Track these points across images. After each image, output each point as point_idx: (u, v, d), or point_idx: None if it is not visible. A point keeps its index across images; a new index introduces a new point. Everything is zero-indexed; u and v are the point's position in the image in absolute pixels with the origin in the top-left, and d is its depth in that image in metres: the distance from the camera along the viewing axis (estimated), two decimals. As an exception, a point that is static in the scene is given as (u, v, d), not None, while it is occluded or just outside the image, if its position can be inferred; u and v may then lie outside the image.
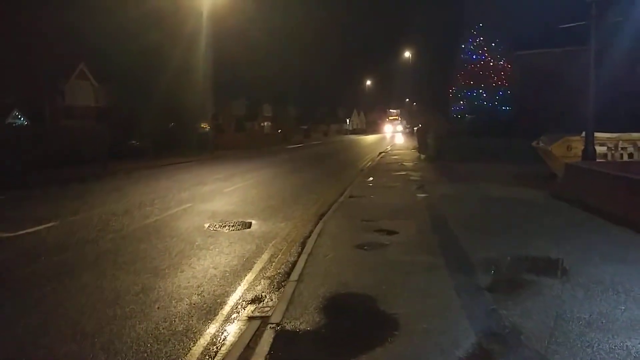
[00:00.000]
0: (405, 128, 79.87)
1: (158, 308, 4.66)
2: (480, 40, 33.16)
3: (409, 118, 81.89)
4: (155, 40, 28.13)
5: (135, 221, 8.93)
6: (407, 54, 47.93)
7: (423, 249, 6.03)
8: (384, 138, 60.34)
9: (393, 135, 67.42)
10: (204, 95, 30.72)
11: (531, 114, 20.80)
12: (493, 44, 32.40)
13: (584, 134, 9.82)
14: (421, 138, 22.68)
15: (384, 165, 18.35)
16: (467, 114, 32.79)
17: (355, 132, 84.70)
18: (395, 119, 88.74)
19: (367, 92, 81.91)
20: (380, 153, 26.03)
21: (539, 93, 22.25)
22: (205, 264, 6.10)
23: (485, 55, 32.97)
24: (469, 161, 16.75)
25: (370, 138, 60.02)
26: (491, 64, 32.99)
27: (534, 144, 12.65)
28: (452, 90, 36.95)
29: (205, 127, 30.65)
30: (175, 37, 28.96)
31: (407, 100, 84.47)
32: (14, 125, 29.12)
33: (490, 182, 11.87)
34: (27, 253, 6.78)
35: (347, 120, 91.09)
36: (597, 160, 9.80)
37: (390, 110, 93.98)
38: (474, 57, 33.19)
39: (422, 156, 20.80)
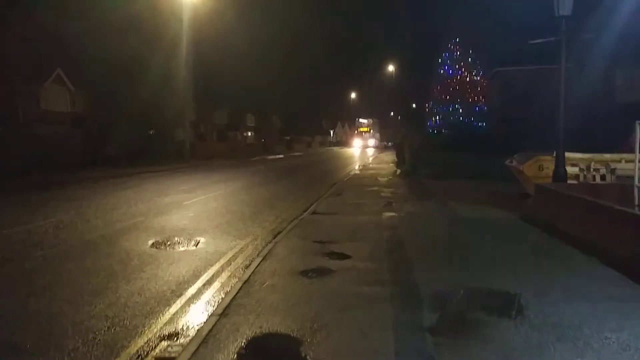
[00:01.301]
0: (378, 142, 70.06)
1: (54, 346, 4.03)
2: (457, 55, 33.26)
3: (382, 130, 78.79)
4: (135, 46, 27.51)
5: (76, 236, 8.28)
6: (391, 68, 48.10)
7: (371, 277, 5.49)
8: (342, 157, 43.94)
9: (363, 150, 57.72)
10: (184, 103, 30.11)
11: (508, 131, 20.62)
12: (470, 60, 32.53)
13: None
14: (399, 152, 22.33)
15: (357, 179, 17.89)
16: (444, 129, 32.72)
17: (339, 143, 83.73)
18: (366, 131, 71.70)
19: (352, 104, 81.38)
20: (358, 167, 25.60)
21: (516, 110, 22.15)
22: (132, 289, 5.48)
23: (462, 71, 33.06)
24: (444, 178, 16.38)
25: (351, 151, 59.60)
26: (467, 79, 33.07)
27: (507, 162, 12.31)
28: (429, 104, 36.97)
29: (182, 137, 29.84)
30: (155, 44, 28.38)
31: (392, 113, 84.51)
32: (-17, 128, 28.08)
33: (460, 201, 11.44)
34: None
35: (331, 132, 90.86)
36: (569, 181, 9.44)
37: (360, 120, 73.51)
38: (451, 72, 33.27)
39: (398, 171, 20.41)
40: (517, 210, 9.71)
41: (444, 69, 31.92)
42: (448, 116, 32.03)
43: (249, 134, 57.61)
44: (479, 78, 31.79)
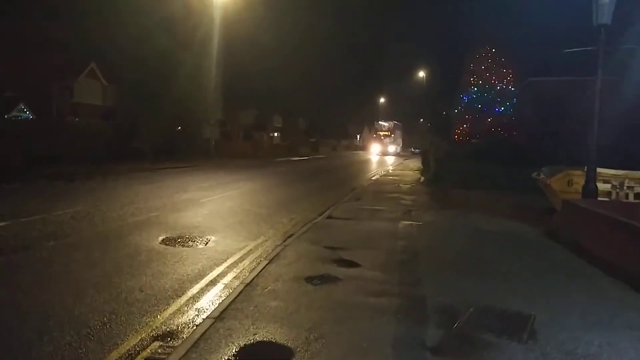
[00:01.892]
0: (399, 148, 62.78)
1: (48, 339, 3.98)
2: (488, 63, 32.43)
3: (407, 136, 73.73)
4: (167, 45, 28.05)
5: (90, 227, 8.35)
6: (421, 74, 47.41)
7: (378, 288, 5.25)
8: (367, 161, 42.94)
9: (381, 158, 49.65)
10: (212, 101, 30.46)
11: (539, 143, 19.87)
12: (503, 70, 31.67)
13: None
14: (424, 160, 21.87)
15: (379, 185, 17.56)
16: (472, 139, 31.95)
17: (363, 148, 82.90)
18: (387, 135, 59.88)
19: (381, 109, 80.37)
20: (381, 172, 25.22)
21: (548, 121, 21.35)
22: (135, 285, 5.42)
23: (493, 79, 32.19)
24: (469, 187, 15.85)
25: (368, 156, 59.06)
26: (498, 88, 32.17)
27: (534, 174, 11.77)
28: (457, 111, 36.12)
29: (208, 135, 30.14)
30: (187, 42, 28.85)
31: (422, 120, 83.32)
32: (19, 118, 29.15)
33: (482, 212, 11.01)
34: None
35: (358, 137, 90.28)
36: (599, 198, 8.91)
37: (381, 122, 62.22)
38: (481, 81, 32.48)
39: (422, 178, 19.97)
40: (541, 225, 9.26)
41: (473, 77, 31.14)
42: (476, 125, 31.22)
43: (275, 135, 57.88)
44: (510, 87, 30.88)
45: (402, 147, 67.45)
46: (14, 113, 29.10)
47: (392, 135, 59.61)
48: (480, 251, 7.33)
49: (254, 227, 9.01)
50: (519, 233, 8.78)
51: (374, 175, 23.40)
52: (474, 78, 32.27)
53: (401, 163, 37.24)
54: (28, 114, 29.96)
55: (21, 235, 7.51)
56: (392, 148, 58.51)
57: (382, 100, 76.42)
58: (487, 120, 31.19)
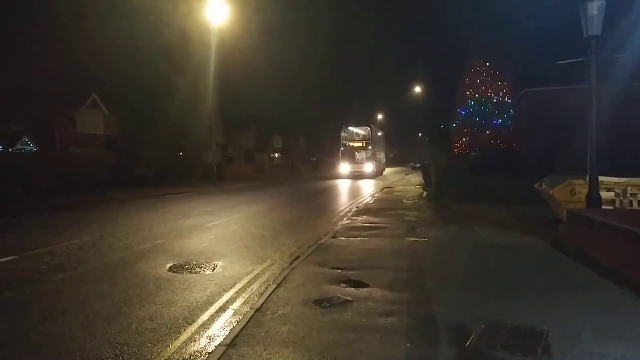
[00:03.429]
0: (379, 166, 44.45)
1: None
2: (483, 76, 32.74)
3: (407, 149, 64.95)
4: (165, 72, 28.52)
5: (97, 258, 8.37)
6: (417, 89, 47.86)
7: (388, 308, 5.24)
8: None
9: (350, 183, 32.75)
10: (211, 125, 30.75)
11: (538, 153, 19.95)
12: (498, 82, 31.98)
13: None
14: (425, 174, 21.95)
15: (381, 202, 17.58)
16: (471, 151, 32.03)
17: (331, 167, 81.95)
18: (362, 147, 40.29)
19: (379, 126, 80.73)
20: (382, 188, 25.25)
21: (545, 131, 21.47)
22: (145, 314, 5.42)
23: (488, 92, 32.45)
24: (471, 201, 15.88)
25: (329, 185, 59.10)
26: (495, 100, 32.40)
27: (536, 185, 11.82)
28: (455, 125, 36.28)
29: (209, 159, 30.36)
30: (184, 69, 29.33)
31: (420, 134, 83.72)
32: (22, 151, 29.46)
33: (487, 226, 11.01)
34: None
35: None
36: (603, 207, 8.93)
37: (351, 128, 42.30)
38: (477, 95, 32.75)
39: (425, 193, 20.00)
40: (547, 236, 9.25)
41: (469, 91, 31.35)
42: (475, 138, 31.29)
43: (276, 155, 58.15)
44: (506, 99, 31.10)
45: (384, 163, 48.94)
46: (18, 146, 29.38)
47: (370, 148, 39.74)
48: (488, 266, 7.33)
49: (260, 250, 9.03)
50: (525, 245, 8.77)
51: (375, 192, 23.41)
52: (470, 92, 32.51)
53: (402, 178, 37.28)
54: (32, 146, 30.24)
55: (29, 269, 7.54)
56: (368, 167, 38.84)
57: (379, 117, 76.55)
58: (485, 133, 31.31)
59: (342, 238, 9.83)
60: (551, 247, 8.48)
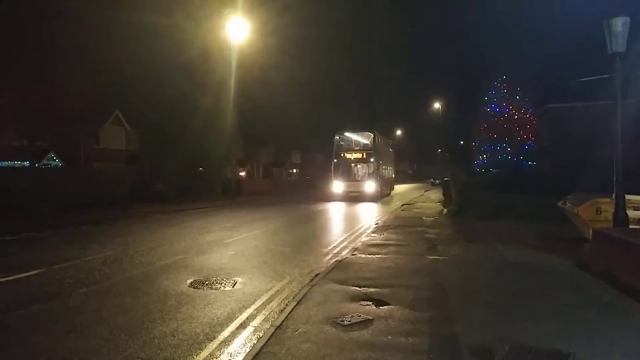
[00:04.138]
0: (383, 185, 33.42)
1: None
2: (504, 92, 32.41)
3: (424, 165, 67.55)
4: (186, 88, 29.18)
5: (120, 273, 8.51)
6: (436, 105, 47.82)
7: (409, 327, 5.18)
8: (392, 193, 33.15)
9: (350, 202, 28.36)
10: (231, 141, 31.20)
11: (560, 170, 19.59)
12: (518, 97, 31.61)
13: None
14: (446, 191, 21.74)
15: (401, 219, 17.46)
16: (491, 168, 31.58)
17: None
18: (360, 159, 31.73)
19: (398, 141, 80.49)
20: (401, 205, 25.08)
21: (568, 147, 21.10)
22: (167, 330, 5.48)
23: (509, 108, 32.08)
24: (492, 218, 15.63)
25: (397, 188, 58.72)
26: (516, 116, 31.99)
27: (560, 204, 11.57)
28: (475, 143, 35.89)
29: (228, 175, 30.74)
30: (205, 85, 29.91)
31: (440, 150, 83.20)
32: (49, 166, 30.33)
33: (509, 244, 10.82)
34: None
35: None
36: (631, 226, 8.70)
37: (348, 134, 33.29)
38: (497, 110, 32.39)
39: (445, 210, 19.79)
40: (571, 256, 9.03)
41: (490, 107, 31.08)
42: (496, 155, 30.85)
43: (294, 171, 58.49)
44: (528, 116, 30.73)
45: (392, 181, 39.08)
46: (45, 161, 30.27)
47: (373, 160, 30.74)
48: (512, 285, 7.19)
49: (279, 266, 9.05)
50: (549, 265, 8.59)
51: (395, 209, 23.27)
52: (490, 109, 32.26)
53: (422, 195, 36.95)
54: (58, 162, 31.11)
55: (55, 283, 7.71)
56: (370, 185, 30.08)
57: (398, 132, 76.31)
58: (507, 150, 30.87)
59: (361, 255, 9.78)
60: (576, 267, 8.28)
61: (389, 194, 36.27)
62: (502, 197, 17.69)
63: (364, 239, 12.40)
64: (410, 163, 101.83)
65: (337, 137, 32.19)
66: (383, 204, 28.08)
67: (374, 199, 29.70)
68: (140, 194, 27.14)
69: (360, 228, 15.33)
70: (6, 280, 7.89)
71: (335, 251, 10.79)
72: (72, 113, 28.13)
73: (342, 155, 31.39)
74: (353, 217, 20.17)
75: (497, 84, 31.82)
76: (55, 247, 11.61)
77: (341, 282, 7.31)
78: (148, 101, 29.66)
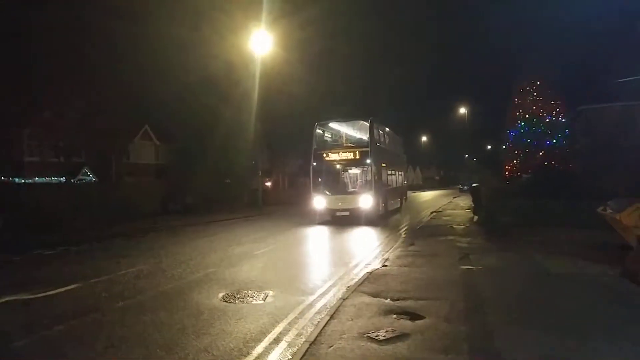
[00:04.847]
0: (384, 192, 21.57)
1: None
2: (535, 96, 31.58)
3: (451, 172, 65.92)
4: (211, 101, 29.73)
5: (153, 287, 8.61)
6: (463, 110, 47.10)
7: (446, 342, 5.02)
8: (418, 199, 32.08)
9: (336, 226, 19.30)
10: (256, 152, 31.54)
11: (596, 174, 18.86)
12: (552, 102, 30.74)
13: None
14: (475, 198, 21.24)
15: (430, 228, 17.14)
16: (522, 174, 30.70)
17: (411, 188, 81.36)
18: (352, 160, 20.24)
19: (423, 148, 79.37)
20: (430, 213, 24.67)
21: (604, 150, 20.32)
22: (200, 345, 5.49)
23: (540, 112, 31.21)
24: (525, 225, 15.12)
25: (424, 195, 57.89)
26: (547, 120, 31.08)
27: (599, 209, 11.08)
28: (505, 147, 35.00)
29: (255, 185, 31.04)
30: (230, 98, 30.39)
31: (467, 156, 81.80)
32: (83, 181, 31.35)
33: (546, 253, 10.44)
34: (29, 322, 6.55)
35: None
36: (678, 232, 8.25)
37: (333, 125, 22.56)
38: (528, 115, 31.60)
39: (475, 218, 19.33)
40: (615, 265, 8.62)
41: (519, 112, 30.32)
42: (527, 160, 30.03)
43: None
44: (560, 118, 29.82)
45: (402, 190, 28.45)
46: (79, 177, 31.28)
47: (370, 162, 19.86)
48: (552, 298, 6.90)
49: (309, 279, 8.99)
50: (591, 275, 8.23)
51: (424, 217, 22.88)
52: (520, 112, 31.45)
53: (450, 202, 36.32)
54: (91, 177, 32.11)
55: (91, 297, 7.87)
56: (366, 199, 19.64)
57: (424, 139, 75.43)
58: (538, 154, 29.96)
59: (392, 267, 9.61)
60: (621, 277, 7.90)
61: (400, 208, 26.79)
62: (535, 202, 17.14)
63: (393, 249, 12.21)
64: (437, 169, 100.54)
65: (320, 131, 21.83)
66: (385, 227, 18.65)
67: (373, 218, 19.78)
68: (169, 206, 27.73)
69: (389, 237, 15.11)
70: (46, 295, 8.10)
71: (365, 262, 10.65)
72: (105, 129, 29.07)
73: (323, 155, 20.70)
74: (381, 228, 19.92)
75: (527, 87, 31.10)
76: (91, 261, 11.88)
77: (374, 295, 7.19)
78: (175, 115, 30.37)
